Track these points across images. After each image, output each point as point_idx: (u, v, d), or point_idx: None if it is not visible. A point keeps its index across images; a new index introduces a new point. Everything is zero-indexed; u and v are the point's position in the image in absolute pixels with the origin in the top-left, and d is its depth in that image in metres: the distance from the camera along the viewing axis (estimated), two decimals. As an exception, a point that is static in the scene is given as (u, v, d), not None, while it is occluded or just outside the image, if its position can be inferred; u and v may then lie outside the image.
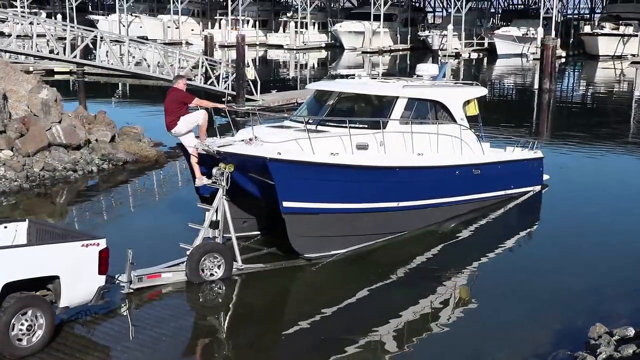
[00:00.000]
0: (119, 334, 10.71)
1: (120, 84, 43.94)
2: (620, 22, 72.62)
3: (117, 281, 11.85)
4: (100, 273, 10.33)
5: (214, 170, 13.29)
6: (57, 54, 31.53)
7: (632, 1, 75.06)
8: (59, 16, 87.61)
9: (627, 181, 21.26)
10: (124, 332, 10.79)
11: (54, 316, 9.97)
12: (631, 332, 10.04)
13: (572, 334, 10.79)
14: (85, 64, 36.39)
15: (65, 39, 32.10)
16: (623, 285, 13.06)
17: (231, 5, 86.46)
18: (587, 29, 78.00)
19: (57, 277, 9.89)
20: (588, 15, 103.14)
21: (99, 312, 11.19)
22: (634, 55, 67.68)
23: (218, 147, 13.52)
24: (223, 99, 30.52)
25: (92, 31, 32.79)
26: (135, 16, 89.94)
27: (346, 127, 14.09)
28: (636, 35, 68.46)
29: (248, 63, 33.90)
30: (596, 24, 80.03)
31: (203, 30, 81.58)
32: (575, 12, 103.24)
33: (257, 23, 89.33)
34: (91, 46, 32.94)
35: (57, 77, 43.79)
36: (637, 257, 14.52)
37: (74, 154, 20.54)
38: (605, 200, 18.93)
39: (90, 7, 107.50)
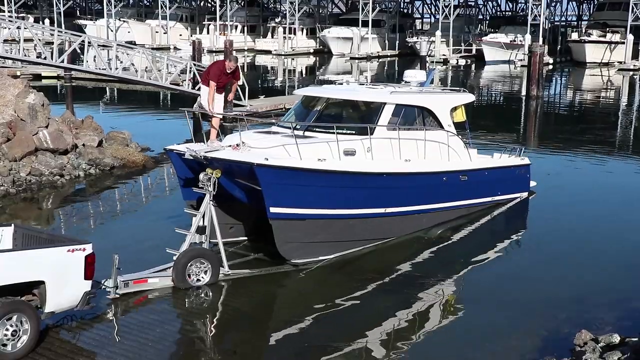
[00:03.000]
0: (105, 339, 10.68)
1: (107, 89, 43.86)
2: (607, 29, 73.05)
3: (103, 286, 11.82)
4: (86, 278, 10.31)
5: (201, 176, 13.27)
6: (45, 58, 31.33)
7: (619, 9, 75.49)
8: (47, 21, 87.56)
9: (614, 188, 21.35)
10: (110, 337, 10.75)
11: (39, 321, 9.92)
12: (616, 338, 10.09)
13: (557, 341, 10.84)
14: (72, 69, 36.26)
15: (52, 43, 31.87)
16: (609, 292, 13.11)
17: (219, 10, 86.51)
18: (574, 36, 78.39)
19: (42, 282, 9.86)
20: (575, 23, 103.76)
21: (85, 318, 11.14)
22: (620, 63, 68.09)
23: (205, 152, 13.52)
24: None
25: (80, 36, 32.56)
26: (124, 21, 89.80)
27: (334, 132, 14.11)
28: (623, 43, 68.85)
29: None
30: (583, 31, 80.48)
31: (191, 36, 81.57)
32: (563, 19, 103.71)
33: (245, 28, 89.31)
34: (79, 51, 32.74)
35: (44, 81, 43.69)
36: (623, 264, 14.61)
37: (61, 159, 20.47)
38: (592, 207, 19.02)
39: (78, 12, 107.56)
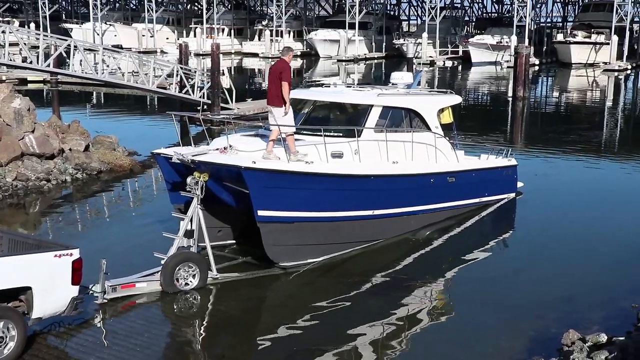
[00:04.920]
0: (93, 344, 10.64)
1: (94, 93, 43.67)
2: (592, 30, 73.41)
3: (91, 291, 11.78)
4: (73, 283, 10.27)
5: (189, 179, 13.25)
6: (31, 62, 31.27)
7: (603, 10, 75.91)
8: (32, 25, 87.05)
9: (601, 188, 21.48)
10: (98, 342, 10.71)
11: (26, 328, 9.87)
12: (604, 338, 10.16)
13: (545, 341, 10.88)
14: (58, 73, 36.13)
15: (38, 47, 31.82)
16: (596, 291, 13.18)
17: (206, 13, 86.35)
18: (559, 37, 78.76)
19: (29, 288, 9.81)
20: (561, 24, 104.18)
21: (73, 323, 11.10)
22: (605, 63, 68.45)
23: (193, 156, 13.50)
24: (198, 108, 30.43)
25: (66, 40, 32.49)
26: (110, 25, 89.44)
27: (321, 135, 14.12)
28: (608, 44, 69.22)
29: (223, 71, 33.82)
30: (568, 32, 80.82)
31: (178, 39, 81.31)
32: (548, 20, 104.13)
33: (232, 31, 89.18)
34: (65, 55, 32.69)
35: (30, 86, 43.42)
36: (611, 264, 14.68)
37: (47, 164, 20.38)
38: (579, 207, 19.11)
39: (64, 15, 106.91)
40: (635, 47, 75.22)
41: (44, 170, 20.04)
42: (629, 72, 66.73)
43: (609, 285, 13.50)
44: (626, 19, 69.35)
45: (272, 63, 14.56)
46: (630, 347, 9.38)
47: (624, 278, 13.91)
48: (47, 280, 9.94)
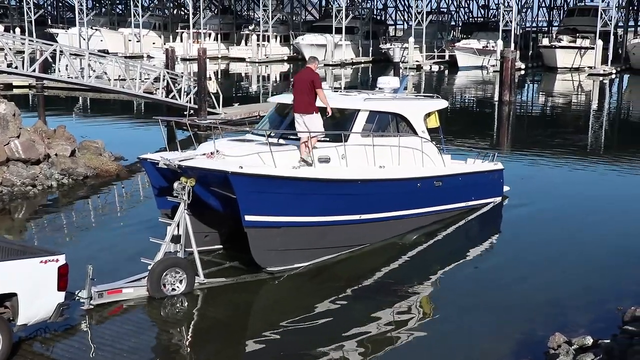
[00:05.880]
0: (79, 351, 10.59)
1: (80, 98, 43.54)
2: (577, 35, 73.92)
3: (77, 297, 11.73)
4: (59, 289, 10.22)
5: (176, 184, 13.21)
6: (16, 68, 31.06)
7: (588, 14, 76.57)
8: (18, 30, 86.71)
9: (587, 191, 21.56)
10: (84, 349, 10.66)
11: (11, 334, 9.82)
12: (589, 341, 10.21)
13: (532, 344, 10.91)
14: (44, 78, 35.94)
15: (24, 52, 31.62)
16: (582, 295, 13.23)
17: (192, 18, 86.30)
18: (545, 41, 79.18)
19: (14, 294, 9.76)
20: (546, 28, 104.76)
21: (59, 329, 11.05)
22: (590, 68, 68.91)
23: (179, 161, 13.47)
24: (185, 113, 30.41)
25: (52, 45, 32.31)
26: (96, 30, 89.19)
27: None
28: (592, 48, 69.72)
29: (210, 76, 33.78)
30: (554, 36, 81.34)
31: (164, 44, 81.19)
32: (534, 25, 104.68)
33: (218, 36, 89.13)
34: (51, 60, 32.53)
35: (15, 91, 43.28)
36: (596, 267, 14.75)
37: (33, 169, 20.29)
38: (565, 211, 19.17)
39: (49, 20, 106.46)
40: (620, 51, 75.77)
41: (29, 175, 19.95)
42: (613, 76, 67.24)
43: (595, 288, 13.57)
44: (610, 24, 69.94)
45: (299, 71, 14.75)
46: (616, 350, 9.43)
47: (610, 280, 13.99)
48: (33, 287, 9.89)
